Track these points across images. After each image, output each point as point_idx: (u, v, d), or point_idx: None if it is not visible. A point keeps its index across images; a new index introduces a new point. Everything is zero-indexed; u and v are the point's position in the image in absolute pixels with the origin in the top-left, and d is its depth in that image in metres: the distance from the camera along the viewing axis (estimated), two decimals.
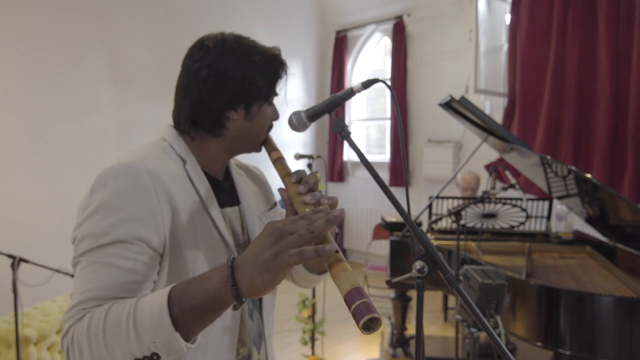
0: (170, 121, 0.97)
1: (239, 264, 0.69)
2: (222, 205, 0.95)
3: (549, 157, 2.46)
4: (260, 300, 1.00)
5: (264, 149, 0.99)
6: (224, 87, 0.88)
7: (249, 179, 1.10)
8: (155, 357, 0.69)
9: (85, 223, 0.79)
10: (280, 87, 0.95)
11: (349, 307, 0.63)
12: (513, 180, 2.60)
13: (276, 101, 0.98)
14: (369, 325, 0.62)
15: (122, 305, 0.72)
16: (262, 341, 1.00)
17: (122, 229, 0.77)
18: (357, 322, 0.61)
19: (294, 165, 5.81)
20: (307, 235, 0.67)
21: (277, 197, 1.11)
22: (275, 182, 1.02)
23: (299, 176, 0.89)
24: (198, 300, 0.69)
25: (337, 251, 0.71)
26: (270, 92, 0.93)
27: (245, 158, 1.14)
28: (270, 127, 0.98)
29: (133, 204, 0.79)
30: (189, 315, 0.69)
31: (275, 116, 0.98)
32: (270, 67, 0.91)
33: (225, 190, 0.99)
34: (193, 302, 0.69)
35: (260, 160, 1.23)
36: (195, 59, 0.89)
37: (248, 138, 0.95)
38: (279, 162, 0.96)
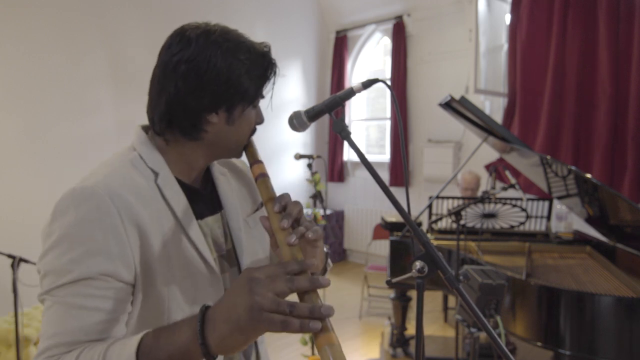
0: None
1: (210, 317, 0.63)
2: (202, 216, 0.87)
3: (549, 157, 2.46)
4: None
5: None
6: (205, 87, 0.77)
7: (234, 178, 0.99)
8: None
9: (47, 256, 0.72)
10: (267, 90, 0.85)
11: None
12: (513, 180, 2.60)
13: (261, 103, 0.89)
14: None
15: (90, 354, 0.67)
16: (251, 347, 0.94)
17: (85, 265, 0.70)
18: None
19: (294, 165, 5.83)
20: (287, 309, 0.60)
21: None
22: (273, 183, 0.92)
23: (282, 205, 0.79)
24: (165, 354, 0.64)
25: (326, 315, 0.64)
26: (256, 95, 0.83)
27: None
28: (254, 131, 0.89)
29: (96, 235, 0.71)
30: None
31: (260, 120, 0.89)
32: (258, 67, 0.81)
33: (204, 198, 0.90)
34: (160, 356, 0.64)
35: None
36: (174, 51, 0.78)
37: (228, 143, 0.86)
38: (261, 180, 0.85)
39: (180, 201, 0.82)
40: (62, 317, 0.70)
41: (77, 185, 0.75)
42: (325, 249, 0.93)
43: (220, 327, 0.62)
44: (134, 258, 0.74)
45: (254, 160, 0.89)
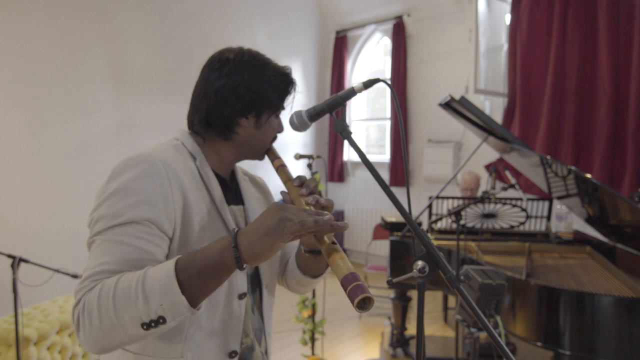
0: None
1: (242, 232, 0.77)
2: (228, 202, 1.00)
3: (549, 157, 2.46)
4: (261, 297, 1.05)
5: (266, 159, 1.08)
6: (238, 96, 0.95)
7: (253, 186, 1.17)
8: (161, 321, 0.74)
9: (102, 206, 0.85)
10: (288, 102, 1.03)
11: (345, 289, 0.70)
12: (513, 180, 2.60)
13: (282, 115, 1.05)
14: (363, 305, 0.68)
15: (132, 274, 0.77)
16: (262, 335, 1.06)
17: (135, 211, 0.83)
18: (352, 302, 0.68)
19: (294, 165, 5.84)
20: (310, 221, 0.75)
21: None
22: (275, 189, 1.09)
23: (301, 180, 0.96)
24: (203, 264, 0.76)
25: (334, 243, 0.80)
26: (279, 105, 1.01)
27: (249, 167, 1.19)
28: (275, 138, 1.06)
29: (147, 188, 0.85)
30: (194, 279, 0.75)
31: (280, 128, 1.06)
32: (281, 83, 0.99)
33: (230, 189, 1.05)
34: (199, 266, 0.75)
35: (263, 169, 1.23)
36: (215, 68, 0.97)
37: (255, 145, 1.02)
38: (281, 169, 1.03)
39: (214, 184, 0.97)
40: (110, 250, 0.81)
41: (132, 154, 0.89)
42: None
43: (251, 235, 0.75)
44: (176, 217, 0.87)
45: (275, 156, 1.06)
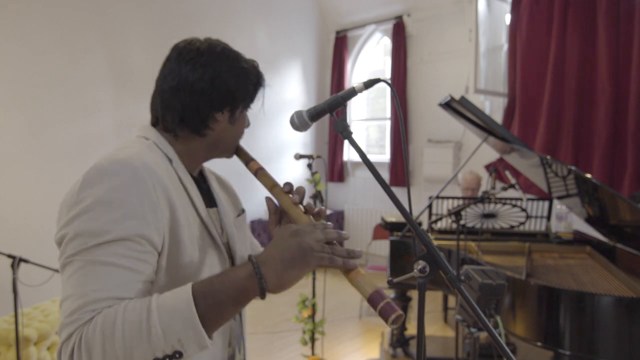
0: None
1: (263, 260, 0.74)
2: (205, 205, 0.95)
3: (549, 157, 2.46)
4: None
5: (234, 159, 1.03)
6: (215, 89, 0.90)
7: (219, 185, 1.11)
8: (177, 356, 0.69)
9: (77, 220, 0.75)
10: (258, 97, 0.99)
11: (375, 308, 0.72)
12: (513, 180, 2.60)
13: (250, 111, 1.02)
14: (395, 321, 0.71)
15: (138, 304, 0.70)
16: (241, 340, 1.02)
17: (124, 226, 0.74)
18: (386, 321, 0.71)
19: (294, 165, 5.82)
20: (329, 250, 0.75)
21: (247, 204, 1.15)
22: (242, 190, 1.05)
23: (290, 186, 0.93)
24: (223, 294, 0.72)
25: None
26: (253, 98, 0.97)
27: (219, 167, 1.14)
28: (242, 133, 1.01)
29: (134, 200, 0.76)
30: (213, 310, 0.71)
31: (248, 123, 1.02)
32: (253, 75, 0.95)
33: (204, 191, 0.99)
34: (219, 297, 0.72)
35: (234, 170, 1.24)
36: (187, 59, 0.90)
37: (227, 141, 0.97)
38: (261, 173, 0.98)
39: (192, 187, 0.91)
40: (99, 274, 0.72)
41: (104, 159, 0.79)
42: None
43: (276, 266, 0.73)
44: (164, 228, 0.80)
45: (249, 158, 1.01)
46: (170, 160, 0.90)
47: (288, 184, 0.93)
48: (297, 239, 0.74)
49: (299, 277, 0.74)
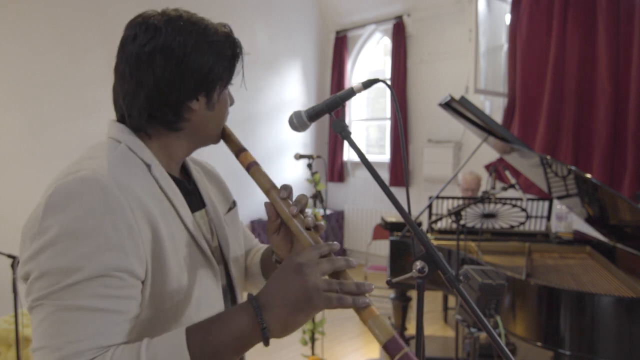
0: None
1: (264, 303, 0.65)
2: (192, 210, 0.84)
3: (549, 157, 2.46)
4: (236, 304, 0.94)
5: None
6: (184, 74, 0.75)
7: (206, 177, 0.98)
8: None
9: (43, 255, 0.63)
10: (238, 69, 0.84)
11: (392, 357, 0.66)
12: (513, 180, 2.60)
13: (232, 86, 0.87)
14: None
15: (126, 356, 0.62)
16: None
17: (98, 261, 0.63)
18: None
19: (294, 165, 5.81)
20: (337, 287, 0.66)
21: (246, 202, 0.99)
22: (241, 186, 0.89)
23: (288, 192, 0.81)
24: (222, 344, 0.65)
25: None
26: (230, 76, 0.82)
27: (208, 157, 1.04)
28: (227, 113, 0.88)
29: (107, 228, 0.64)
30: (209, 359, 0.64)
31: (232, 101, 0.88)
32: (227, 47, 0.80)
33: (190, 192, 0.87)
34: (217, 347, 0.64)
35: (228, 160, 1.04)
36: (143, 42, 0.75)
37: (209, 129, 0.84)
38: (255, 169, 0.84)
39: (175, 193, 0.79)
40: (75, 321, 0.62)
41: (69, 176, 0.68)
42: None
43: (279, 311, 0.64)
44: (146, 253, 0.69)
45: (239, 148, 0.87)
46: (148, 166, 0.77)
47: (285, 188, 0.81)
48: (301, 278, 0.65)
49: (305, 320, 0.66)
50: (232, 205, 1.00)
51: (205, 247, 0.81)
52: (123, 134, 0.79)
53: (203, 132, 0.84)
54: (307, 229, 0.78)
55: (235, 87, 0.87)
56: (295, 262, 0.66)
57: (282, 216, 0.80)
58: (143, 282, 0.70)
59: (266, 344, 0.66)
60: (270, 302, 0.65)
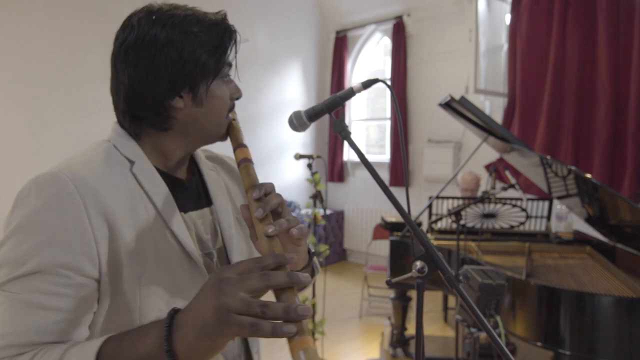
0: None
1: (178, 322, 0.57)
2: (184, 209, 0.80)
3: (549, 157, 2.46)
4: None
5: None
6: (158, 70, 0.72)
7: (224, 172, 0.94)
8: None
9: (3, 247, 0.66)
10: (231, 58, 0.78)
11: None
12: (513, 180, 2.60)
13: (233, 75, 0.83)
14: None
15: (45, 356, 0.61)
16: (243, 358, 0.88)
17: (41, 256, 0.63)
18: None
19: (294, 165, 5.81)
20: (258, 310, 0.54)
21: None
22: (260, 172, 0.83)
23: (261, 192, 0.72)
24: None
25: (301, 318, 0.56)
26: (218, 68, 0.76)
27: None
28: (232, 108, 0.82)
29: (55, 224, 0.65)
30: None
31: (237, 94, 0.82)
32: (212, 37, 0.74)
33: (188, 190, 0.84)
34: None
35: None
36: (121, 40, 0.74)
37: (204, 126, 0.79)
38: (244, 166, 0.77)
39: (160, 190, 0.76)
40: (14, 315, 0.63)
41: (41, 172, 0.70)
42: (310, 248, 0.88)
43: (186, 332, 0.56)
44: (99, 251, 0.67)
45: (238, 144, 0.81)
46: (131, 163, 0.75)
47: (259, 188, 0.72)
48: (214, 297, 0.54)
49: (215, 348, 0.56)
50: None
51: (190, 248, 0.76)
52: (114, 133, 0.79)
53: (196, 131, 0.79)
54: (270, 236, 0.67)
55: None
56: (218, 277, 0.56)
57: (252, 218, 0.71)
58: (100, 281, 0.68)
59: None
60: (184, 322, 0.57)
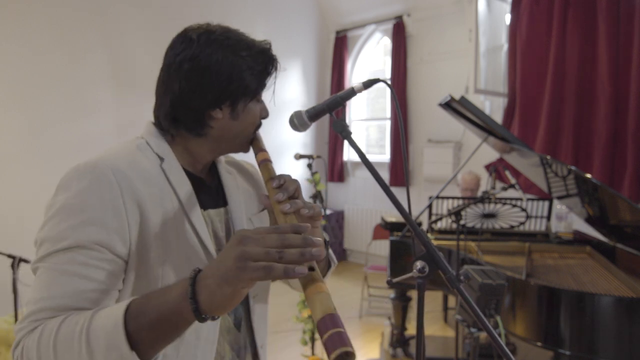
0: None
1: (203, 274, 0.62)
2: (204, 206, 0.88)
3: (549, 157, 2.46)
4: (249, 309, 0.93)
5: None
6: (207, 84, 0.81)
7: (241, 177, 1.02)
8: None
9: (47, 226, 0.74)
10: (269, 84, 0.88)
11: (321, 335, 0.54)
12: (513, 180, 2.60)
13: (265, 98, 0.92)
14: (340, 357, 0.52)
15: (76, 319, 0.66)
16: (246, 352, 0.93)
17: (81, 233, 0.71)
18: (329, 354, 0.52)
19: (294, 165, 5.81)
20: (275, 255, 0.58)
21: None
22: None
23: (280, 181, 0.81)
24: (155, 314, 0.62)
25: (312, 269, 0.61)
26: (257, 89, 0.86)
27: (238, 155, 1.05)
28: (259, 125, 0.92)
29: (94, 205, 0.73)
30: (146, 331, 0.62)
31: (265, 114, 0.92)
32: (258, 63, 0.84)
33: (209, 190, 0.92)
34: (150, 316, 0.62)
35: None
36: (177, 52, 0.82)
37: (234, 138, 0.88)
38: (264, 164, 0.88)
39: (184, 187, 0.84)
40: (52, 282, 0.70)
41: (82, 161, 0.77)
42: (326, 238, 0.93)
43: (208, 282, 0.60)
44: (131, 233, 0.75)
45: (259, 149, 0.91)
46: (161, 160, 0.84)
47: (278, 179, 0.82)
48: (235, 248, 0.59)
49: (234, 296, 0.60)
50: (265, 208, 1.00)
51: (207, 241, 0.84)
52: (148, 132, 0.88)
53: (227, 140, 0.88)
54: (291, 213, 0.77)
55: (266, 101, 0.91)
56: (242, 234, 0.61)
57: (272, 204, 0.80)
58: (128, 262, 0.76)
59: (198, 317, 0.61)
60: (207, 274, 0.61)
